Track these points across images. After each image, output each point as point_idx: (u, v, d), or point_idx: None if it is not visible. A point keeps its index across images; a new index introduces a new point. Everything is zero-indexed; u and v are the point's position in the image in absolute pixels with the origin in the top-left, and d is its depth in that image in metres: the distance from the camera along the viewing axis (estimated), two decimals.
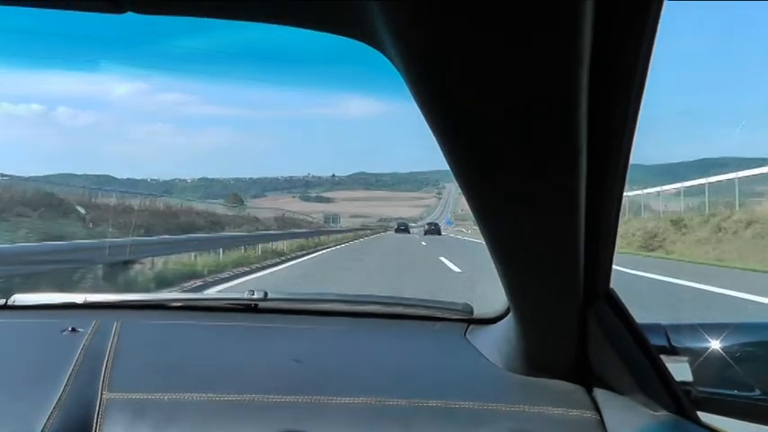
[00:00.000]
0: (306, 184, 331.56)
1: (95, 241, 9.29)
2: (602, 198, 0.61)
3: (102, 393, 0.91)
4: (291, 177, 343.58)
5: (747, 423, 0.80)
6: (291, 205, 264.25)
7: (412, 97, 0.45)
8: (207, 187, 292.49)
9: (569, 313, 0.81)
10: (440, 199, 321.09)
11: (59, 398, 0.89)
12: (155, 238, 11.40)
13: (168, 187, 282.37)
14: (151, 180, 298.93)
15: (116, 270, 8.38)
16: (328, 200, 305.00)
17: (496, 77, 0.42)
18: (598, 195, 0.59)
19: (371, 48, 0.39)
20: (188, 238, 13.25)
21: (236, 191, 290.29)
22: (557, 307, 0.81)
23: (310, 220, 48.14)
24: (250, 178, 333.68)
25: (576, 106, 0.45)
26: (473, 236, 33.11)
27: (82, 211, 14.52)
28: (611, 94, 0.50)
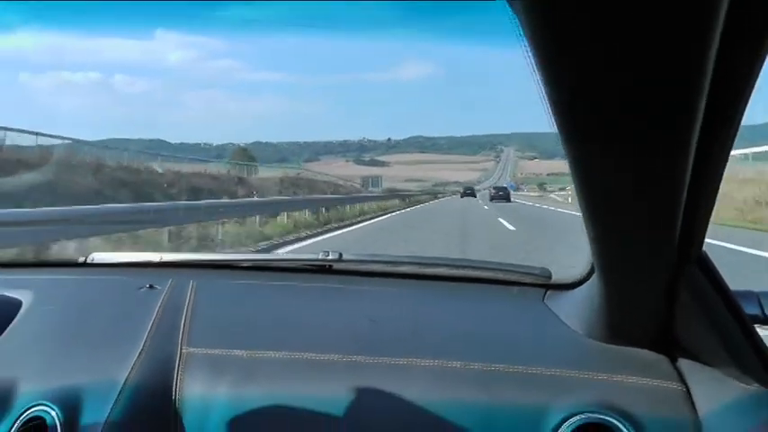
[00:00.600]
0: (360, 148, 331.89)
1: (170, 203, 9.76)
2: (708, 161, 0.59)
3: (181, 348, 0.93)
4: (346, 141, 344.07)
5: None
6: (345, 169, 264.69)
7: (528, 51, 0.42)
8: (259, 151, 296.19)
9: (659, 277, 0.78)
10: (498, 162, 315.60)
11: (141, 351, 0.92)
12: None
13: (220, 152, 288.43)
14: (204, 144, 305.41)
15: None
16: (383, 163, 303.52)
17: (626, 39, 0.40)
18: (705, 159, 0.58)
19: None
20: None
21: (288, 155, 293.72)
22: (646, 270, 0.77)
23: (340, 183, 39.94)
24: (304, 142, 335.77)
25: (702, 75, 0.43)
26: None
27: (159, 170, 14.59)
28: (734, 60, 0.47)
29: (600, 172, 0.58)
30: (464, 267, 1.30)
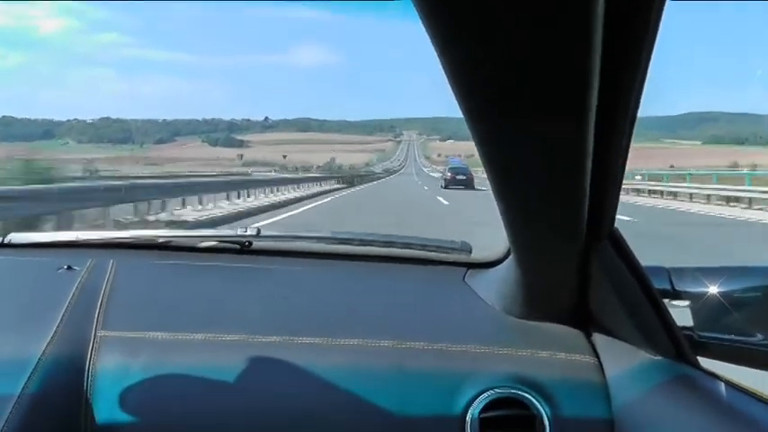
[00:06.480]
0: (230, 128, 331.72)
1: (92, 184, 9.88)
2: (611, 137, 0.62)
3: (96, 331, 0.96)
4: (213, 119, 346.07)
5: (747, 368, 0.81)
6: (198, 151, 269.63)
7: (425, 32, 0.44)
8: (101, 128, 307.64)
9: (571, 254, 0.82)
10: (399, 143, 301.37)
11: (54, 333, 0.94)
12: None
13: (51, 127, 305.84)
14: (42, 120, 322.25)
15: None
16: (242, 143, 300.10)
17: (514, 14, 0.42)
18: (607, 135, 0.61)
19: None
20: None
21: (141, 133, 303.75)
22: (559, 248, 0.82)
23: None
24: (164, 120, 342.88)
25: (590, 47, 0.46)
26: None
27: None
28: (624, 33, 0.51)
29: (504, 153, 0.61)
30: (387, 244, 1.33)
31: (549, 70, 0.48)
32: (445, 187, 28.76)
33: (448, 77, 0.50)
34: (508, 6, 0.42)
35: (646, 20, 0.50)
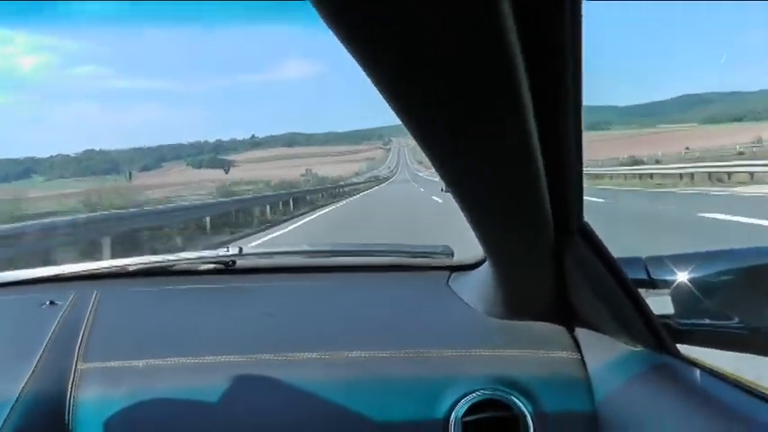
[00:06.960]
0: (216, 149, 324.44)
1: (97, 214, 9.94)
2: (558, 131, 0.62)
3: (77, 364, 0.96)
4: (199, 142, 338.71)
5: (726, 352, 0.81)
6: (182, 175, 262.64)
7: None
8: (84, 161, 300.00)
9: (543, 252, 0.82)
10: (389, 151, 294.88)
11: (34, 368, 0.94)
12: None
13: (32, 164, 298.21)
14: (24, 158, 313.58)
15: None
16: (225, 163, 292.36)
17: (423, 24, 0.42)
18: (554, 129, 0.60)
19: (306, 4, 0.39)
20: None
21: (126, 163, 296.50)
22: (529, 248, 0.82)
23: None
24: (149, 147, 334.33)
25: (507, 47, 0.45)
26: None
27: None
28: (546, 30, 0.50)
29: (451, 157, 0.61)
30: (369, 254, 1.35)
31: (469, 69, 0.47)
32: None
33: (384, 97, 0.49)
34: (408, 13, 0.41)
35: (560, 10, 0.49)
